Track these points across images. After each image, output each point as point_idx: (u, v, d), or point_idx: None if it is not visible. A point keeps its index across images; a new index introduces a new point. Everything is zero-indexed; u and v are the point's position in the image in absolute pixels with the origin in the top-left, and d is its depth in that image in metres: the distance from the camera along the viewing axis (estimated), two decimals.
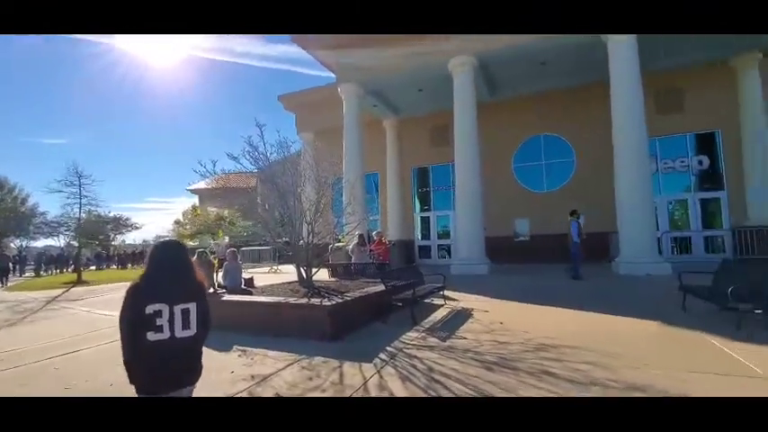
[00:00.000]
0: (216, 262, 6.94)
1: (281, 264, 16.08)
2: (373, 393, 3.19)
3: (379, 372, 3.69)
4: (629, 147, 10.03)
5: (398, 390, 3.23)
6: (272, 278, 10.72)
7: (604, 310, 5.86)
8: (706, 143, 13.30)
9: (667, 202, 13.64)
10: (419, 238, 16.86)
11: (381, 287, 6.13)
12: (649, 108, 13.13)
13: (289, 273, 11.62)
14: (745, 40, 11.40)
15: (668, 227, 13.47)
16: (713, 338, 4.29)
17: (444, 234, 16.16)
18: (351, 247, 8.98)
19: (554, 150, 14.77)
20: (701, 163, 13.33)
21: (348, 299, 5.47)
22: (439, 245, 16.31)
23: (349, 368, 3.82)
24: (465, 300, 7.35)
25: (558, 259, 13.76)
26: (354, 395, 3.16)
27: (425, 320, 5.78)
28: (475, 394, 3.08)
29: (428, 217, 16.68)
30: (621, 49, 10.24)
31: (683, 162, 13.50)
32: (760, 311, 4.38)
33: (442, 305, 6.92)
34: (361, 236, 8.76)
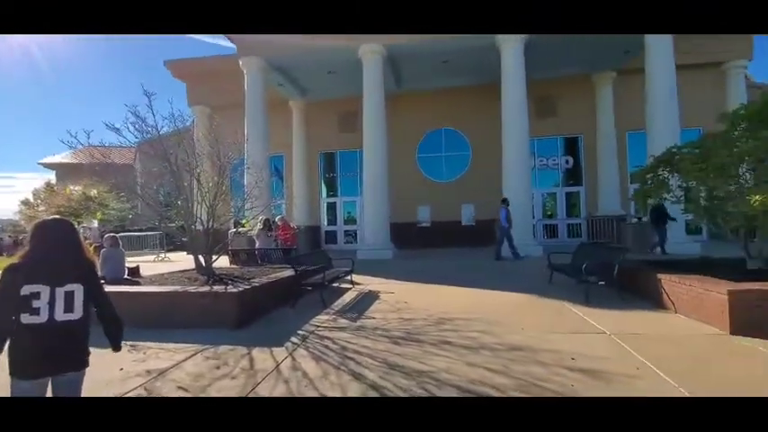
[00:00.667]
0: (93, 249, 5.98)
1: (169, 251, 14.53)
2: (286, 375, 3.19)
3: (291, 354, 3.69)
4: (515, 144, 11.42)
5: (312, 369, 3.29)
6: (161, 267, 9.69)
7: (489, 287, 6.70)
8: (571, 145, 15.79)
9: (542, 195, 15.89)
10: (325, 223, 16.83)
11: (289, 272, 6.04)
12: (530, 112, 15.07)
13: (179, 261, 10.62)
14: (604, 59, 13.75)
15: (541, 215, 15.74)
16: (571, 306, 5.26)
17: (351, 220, 16.41)
18: (255, 232, 8.58)
19: (453, 143, 16.00)
20: (567, 162, 15.80)
21: (256, 285, 5.28)
22: (345, 230, 16.52)
23: (259, 353, 3.74)
24: (372, 283, 7.65)
25: (454, 243, 15.14)
26: (267, 379, 3.12)
27: (335, 303, 5.89)
28: (385, 366, 3.30)
29: (335, 203, 16.72)
30: (511, 56, 11.50)
31: (554, 161, 15.83)
32: (603, 283, 5.50)
33: (351, 288, 7.11)
34: (266, 220, 8.43)
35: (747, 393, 2.64)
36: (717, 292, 4.02)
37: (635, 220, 11.41)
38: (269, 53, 12.51)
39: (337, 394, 2.82)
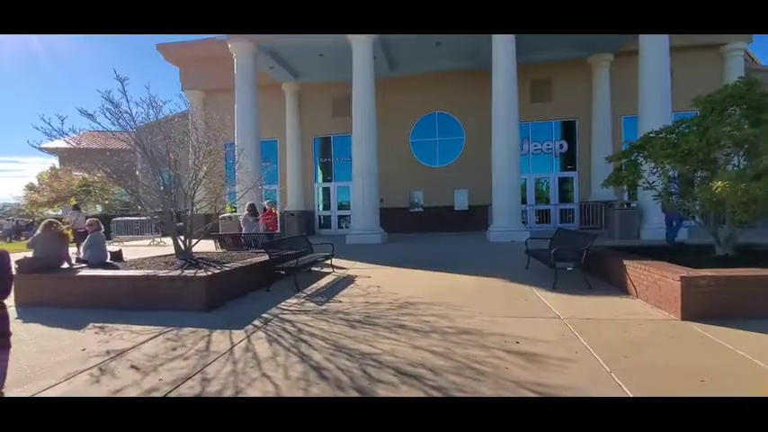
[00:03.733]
0: (70, 233, 6.11)
1: (164, 236, 14.75)
2: (237, 356, 3.32)
3: (248, 337, 3.82)
4: (504, 131, 11.32)
5: (263, 351, 3.41)
6: (153, 251, 9.87)
7: (467, 272, 6.77)
8: (566, 130, 15.58)
9: (535, 180, 15.80)
10: (320, 208, 16.93)
11: (266, 257, 6.15)
12: (525, 96, 14.88)
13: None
14: (601, 42, 13.44)
15: (534, 201, 15.69)
16: (538, 290, 5.33)
17: (345, 205, 16.46)
18: (242, 217, 8.69)
19: (447, 128, 15.87)
20: (561, 147, 15.63)
21: (227, 269, 5.40)
22: (339, 215, 16.62)
23: (218, 335, 3.87)
24: (354, 268, 7.77)
25: (447, 228, 15.21)
26: (218, 360, 3.25)
27: (309, 287, 6.01)
28: (333, 348, 3.42)
29: (329, 188, 16.78)
30: (501, 42, 11.27)
31: (548, 146, 15.67)
32: (570, 269, 5.55)
33: (329, 273, 7.24)
34: (251, 206, 8.52)
35: (668, 378, 2.72)
36: (671, 279, 4.06)
37: (624, 205, 11.33)
38: (259, 36, 12.39)
39: (279, 375, 2.94)
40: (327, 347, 3.46)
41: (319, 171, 17.04)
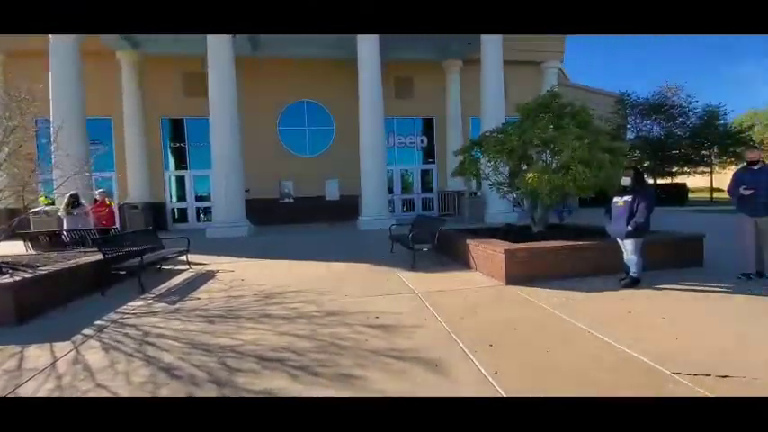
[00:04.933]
0: None
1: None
2: (62, 370, 2.76)
3: (77, 348, 3.20)
4: (370, 124, 11.87)
5: (98, 360, 2.92)
6: None
7: (336, 259, 6.96)
8: (427, 126, 17.20)
9: (401, 171, 17.04)
10: (173, 199, 15.00)
11: (99, 256, 5.20)
12: (390, 92, 15.81)
13: None
14: (452, 48, 15.13)
15: (400, 191, 16.94)
16: (399, 271, 5.83)
17: (205, 196, 14.95)
18: (61, 211, 7.09)
19: (316, 117, 15.78)
20: (422, 141, 17.19)
21: (43, 273, 4.38)
22: (198, 207, 15.03)
23: (35, 351, 3.14)
24: (215, 263, 7.17)
25: (319, 219, 15.23)
26: (36, 377, 2.65)
27: (159, 287, 5.32)
28: (188, 346, 3.13)
29: (184, 176, 14.97)
30: (367, 38, 11.70)
31: (411, 140, 17.05)
32: (427, 249, 6.23)
33: (186, 270, 6.54)
34: (72, 196, 7.00)
35: (490, 330, 3.33)
36: (498, 252, 4.94)
37: (471, 194, 13.18)
38: None
39: (120, 382, 2.57)
40: (181, 347, 3.15)
41: (171, 157, 15.02)
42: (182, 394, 2.38)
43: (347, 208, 15.30)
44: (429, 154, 17.27)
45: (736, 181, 4.83)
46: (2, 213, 5.90)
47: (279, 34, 12.29)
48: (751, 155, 4.84)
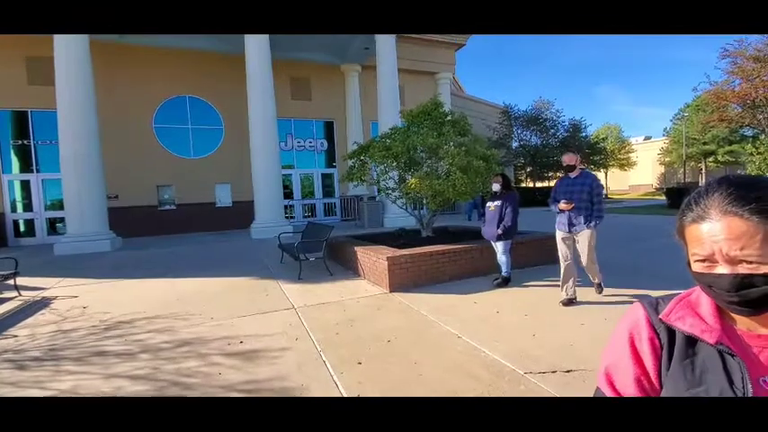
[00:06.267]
0: None
1: None
2: None
3: None
4: (261, 124, 11.15)
5: None
6: None
7: (216, 273, 6.24)
8: (327, 129, 16.88)
9: (300, 175, 16.43)
10: (15, 209, 12.21)
11: None
12: (286, 93, 15.17)
13: None
14: (348, 52, 15.08)
15: (300, 195, 16.33)
16: (283, 283, 5.41)
17: (58, 204, 12.46)
18: None
19: (202, 115, 14.29)
20: (322, 145, 16.83)
21: None
22: (50, 218, 12.47)
23: None
24: (57, 286, 5.88)
25: (208, 227, 13.83)
26: None
27: None
28: None
29: (29, 180, 12.29)
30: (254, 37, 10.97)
31: (311, 143, 16.56)
32: (313, 259, 5.92)
33: (13, 297, 5.21)
34: None
35: (361, 346, 3.15)
36: (381, 259, 4.86)
37: (368, 199, 13.24)
38: None
39: None
40: None
41: (13, 157, 12.24)
42: None
43: (241, 215, 14.16)
44: (330, 157, 17.00)
45: (554, 192, 4.15)
46: None
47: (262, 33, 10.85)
48: (566, 158, 4.12)
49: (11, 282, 5.47)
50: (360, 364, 2.81)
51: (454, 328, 3.45)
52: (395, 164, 6.31)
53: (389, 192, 6.81)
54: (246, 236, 11.42)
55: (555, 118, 27.03)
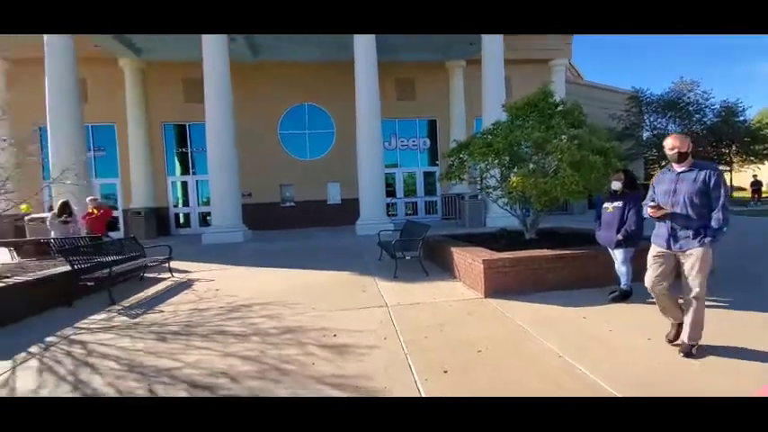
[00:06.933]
0: None
1: None
2: None
3: (14, 368, 3.07)
4: (366, 126, 11.65)
5: (25, 384, 2.77)
6: None
7: (322, 267, 6.75)
8: (429, 127, 16.87)
9: (403, 174, 16.76)
10: (177, 204, 15.10)
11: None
12: (391, 94, 15.59)
13: None
14: (454, 48, 14.78)
15: (403, 194, 16.66)
16: (380, 281, 5.57)
17: (207, 201, 14.94)
18: (50, 219, 7.10)
19: (317, 120, 15.64)
20: (425, 143, 16.88)
21: (2, 285, 4.30)
22: (201, 212, 15.08)
23: None
24: (200, 270, 7.06)
25: (320, 223, 15.09)
26: None
27: (130, 298, 5.21)
28: (125, 368, 2.95)
29: (187, 182, 15.05)
30: (362, 39, 11.49)
31: (414, 142, 16.75)
32: (409, 257, 5.95)
33: (166, 279, 6.43)
34: (62, 204, 7.00)
35: (450, 353, 3.03)
36: (477, 262, 4.63)
37: (470, 197, 12.80)
38: None
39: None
40: (118, 369, 2.98)
41: (175, 162, 15.14)
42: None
43: (349, 211, 15.05)
44: (433, 156, 16.94)
45: (651, 190, 3.08)
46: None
47: (273, 34, 12.21)
48: (673, 141, 2.91)
49: (166, 265, 6.77)
50: (446, 372, 2.71)
51: (555, 344, 3.09)
52: (496, 161, 5.94)
53: (491, 190, 6.46)
54: (352, 232, 12.10)
55: (701, 101, 22.13)
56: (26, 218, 8.60)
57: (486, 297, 4.47)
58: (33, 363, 3.17)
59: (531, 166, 6.02)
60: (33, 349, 3.47)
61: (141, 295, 5.37)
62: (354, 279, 5.86)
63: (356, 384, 2.58)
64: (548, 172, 5.56)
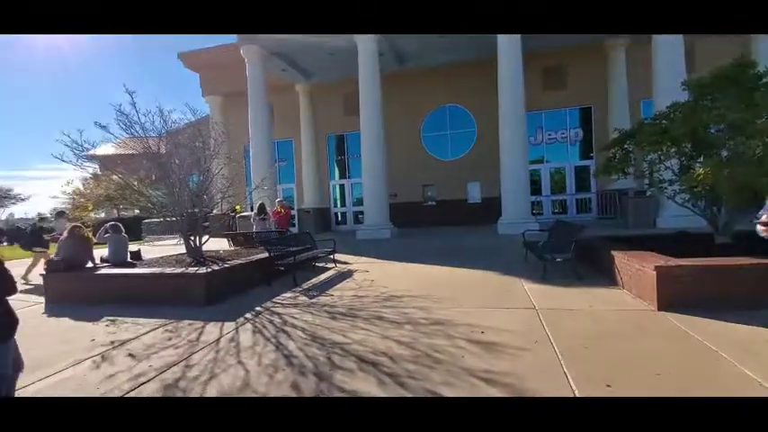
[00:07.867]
0: (88, 235, 6.61)
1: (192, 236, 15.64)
2: (221, 345, 3.65)
3: (237, 328, 4.15)
4: (510, 122, 11.19)
5: (246, 341, 3.73)
6: (177, 249, 10.51)
7: (465, 265, 6.88)
8: (582, 117, 15.13)
9: (550, 170, 15.46)
10: (336, 205, 17.32)
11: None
12: (537, 85, 14.57)
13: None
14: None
15: (550, 191, 15.37)
16: (525, 282, 5.39)
17: (361, 201, 16.71)
18: (252, 217, 9.18)
19: (458, 121, 15.78)
20: (577, 134, 15.20)
21: (227, 266, 5.79)
22: (355, 212, 16.93)
23: (212, 327, 4.22)
24: (357, 262, 8.03)
25: (460, 221, 15.20)
26: (204, 349, 3.59)
27: (307, 282, 6.32)
28: (309, 339, 3.68)
29: (344, 184, 17.13)
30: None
31: (563, 134, 15.28)
32: (560, 260, 5.55)
33: (332, 268, 7.53)
34: (261, 205, 8.96)
35: (618, 370, 2.79)
36: (648, 269, 4.05)
37: (635, 194, 10.97)
38: (268, 40, 12.78)
39: (253, 362, 3.23)
40: (304, 338, 3.72)
41: (335, 168, 17.42)
42: (289, 382, 2.83)
43: (489, 210, 14.74)
44: (586, 148, 15.13)
45: None
46: (216, 218, 8.14)
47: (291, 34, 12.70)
48: None
49: (331, 256, 7.91)
50: (609, 386, 2.53)
51: (756, 371, 2.53)
52: (674, 149, 5.04)
53: (665, 185, 5.50)
54: (493, 231, 11.82)
55: None
56: (237, 216, 11.29)
57: (659, 309, 3.89)
58: (249, 325, 4.22)
59: (725, 153, 4.92)
60: (248, 315, 4.60)
61: (314, 280, 6.47)
62: (497, 278, 5.80)
63: (507, 382, 2.64)
64: (747, 161, 4.44)
